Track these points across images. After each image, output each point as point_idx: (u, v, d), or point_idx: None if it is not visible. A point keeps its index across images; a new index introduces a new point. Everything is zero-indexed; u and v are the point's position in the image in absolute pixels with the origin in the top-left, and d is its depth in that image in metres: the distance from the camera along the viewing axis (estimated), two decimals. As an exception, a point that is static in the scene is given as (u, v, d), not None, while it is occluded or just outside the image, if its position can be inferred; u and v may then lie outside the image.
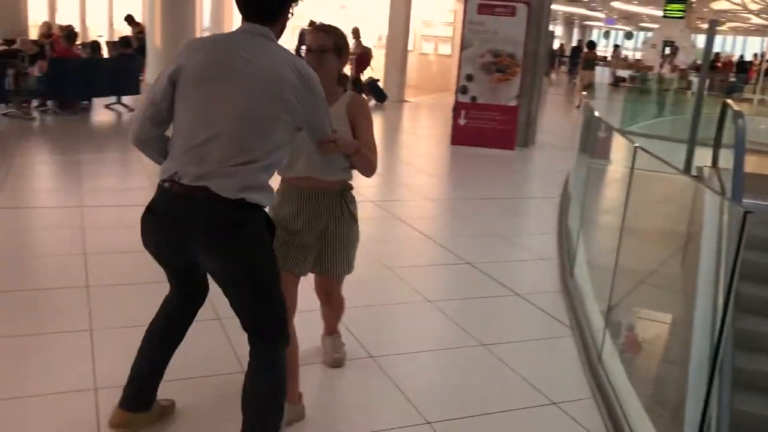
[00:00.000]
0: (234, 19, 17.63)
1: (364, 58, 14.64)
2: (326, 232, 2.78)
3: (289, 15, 2.31)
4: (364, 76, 14.73)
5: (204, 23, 19.57)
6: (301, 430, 2.71)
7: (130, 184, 6.53)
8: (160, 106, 2.24)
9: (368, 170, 2.71)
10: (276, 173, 2.39)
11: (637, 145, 3.62)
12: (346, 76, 3.01)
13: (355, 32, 15.09)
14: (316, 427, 2.76)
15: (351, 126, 2.69)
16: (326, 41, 2.65)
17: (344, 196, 2.82)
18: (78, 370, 2.99)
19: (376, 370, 3.25)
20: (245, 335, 2.36)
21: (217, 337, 3.40)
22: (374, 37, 18.12)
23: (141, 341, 2.56)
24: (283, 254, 2.62)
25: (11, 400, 2.76)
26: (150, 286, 3.17)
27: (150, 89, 2.31)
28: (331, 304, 3.20)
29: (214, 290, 2.39)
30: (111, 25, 21.42)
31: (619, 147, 5.05)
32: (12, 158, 7.22)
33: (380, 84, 14.78)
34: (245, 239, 2.20)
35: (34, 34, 14.15)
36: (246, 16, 2.26)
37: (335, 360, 3.26)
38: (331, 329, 3.34)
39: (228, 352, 3.26)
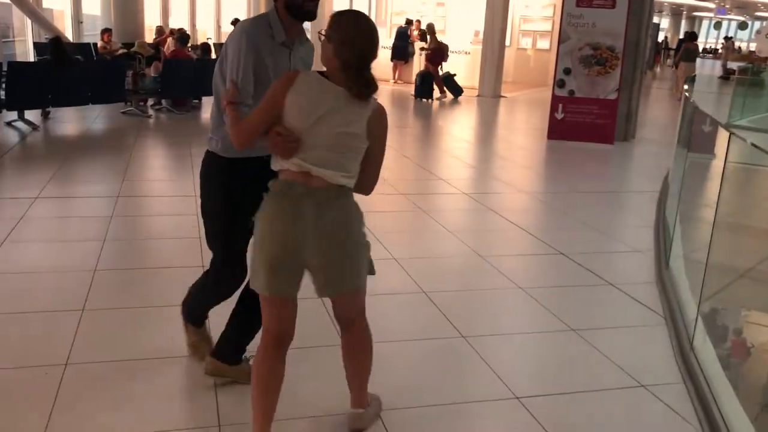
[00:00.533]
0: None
1: (439, 53, 14.80)
2: None
3: None
4: (441, 71, 14.87)
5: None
6: (395, 395, 2.88)
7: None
8: None
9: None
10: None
11: (750, 141, 3.52)
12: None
13: (430, 28, 15.25)
14: (409, 392, 2.93)
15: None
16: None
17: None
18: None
19: (467, 348, 3.39)
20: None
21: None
22: (470, 32, 18.11)
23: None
24: None
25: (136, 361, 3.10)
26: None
27: None
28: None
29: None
30: (219, 27, 22.47)
31: (722, 141, 4.95)
32: (131, 151, 7.82)
33: (473, 78, 14.85)
34: None
35: (149, 37, 15.11)
36: None
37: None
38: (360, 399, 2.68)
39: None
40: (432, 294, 3.97)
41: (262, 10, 12.38)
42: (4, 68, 8.97)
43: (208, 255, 2.90)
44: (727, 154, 3.52)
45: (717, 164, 5.29)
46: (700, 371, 3.20)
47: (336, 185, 2.28)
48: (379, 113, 2.31)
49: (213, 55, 13.77)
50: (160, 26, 16.35)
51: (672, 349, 3.55)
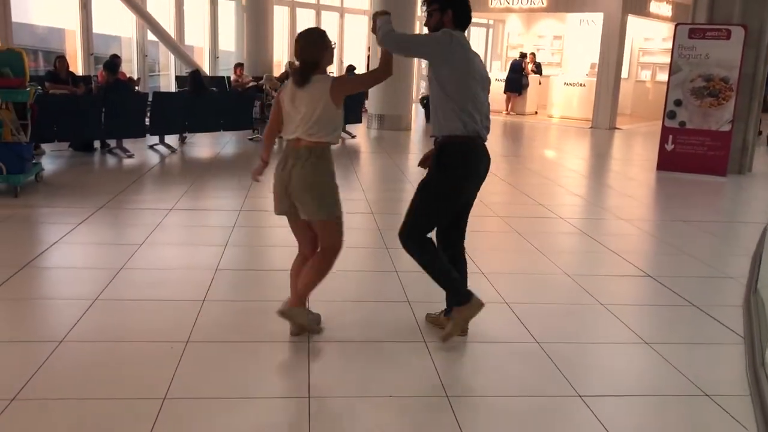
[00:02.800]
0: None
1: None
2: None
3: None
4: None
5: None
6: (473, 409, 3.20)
7: (352, 195, 7.48)
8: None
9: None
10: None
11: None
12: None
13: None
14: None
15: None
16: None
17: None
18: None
19: (540, 354, 3.66)
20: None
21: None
22: (587, 65, 18.11)
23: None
24: None
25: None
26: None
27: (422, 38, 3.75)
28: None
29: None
30: (341, 62, 23.60)
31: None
32: (255, 173, 8.58)
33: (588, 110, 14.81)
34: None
35: (277, 71, 16.24)
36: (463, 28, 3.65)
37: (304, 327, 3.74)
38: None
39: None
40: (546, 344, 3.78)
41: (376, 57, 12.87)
42: (150, 98, 10.11)
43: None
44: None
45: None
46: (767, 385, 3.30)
47: (313, 143, 3.46)
48: (334, 79, 3.54)
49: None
50: (291, 62, 17.48)
51: (746, 366, 3.65)
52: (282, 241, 5.59)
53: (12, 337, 3.62)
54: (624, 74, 17.54)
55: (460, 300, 3.63)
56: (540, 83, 18.06)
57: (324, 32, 3.59)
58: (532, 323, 4.00)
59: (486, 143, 3.62)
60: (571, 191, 8.70)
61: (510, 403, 3.16)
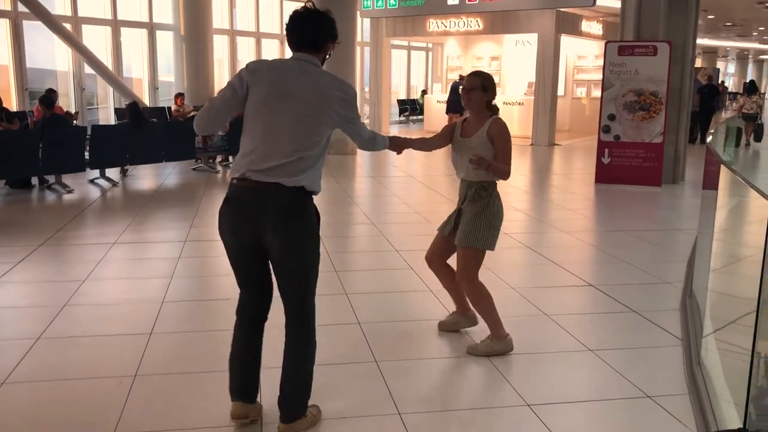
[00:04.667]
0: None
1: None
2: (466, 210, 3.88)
3: (332, 48, 3.02)
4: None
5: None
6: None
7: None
8: (230, 104, 3.03)
9: (502, 176, 3.80)
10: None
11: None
12: (495, 106, 3.92)
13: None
14: (430, 403, 3.29)
15: (491, 142, 3.76)
16: (475, 82, 3.79)
17: (484, 187, 3.84)
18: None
19: (487, 365, 3.73)
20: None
21: (357, 336, 4.06)
22: (524, 85, 18.59)
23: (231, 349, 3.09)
24: (445, 220, 4.05)
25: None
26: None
27: (220, 94, 3.07)
28: (466, 291, 3.95)
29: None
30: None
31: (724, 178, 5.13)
32: (199, 203, 8.53)
33: (527, 128, 15.16)
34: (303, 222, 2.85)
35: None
36: (295, 47, 2.95)
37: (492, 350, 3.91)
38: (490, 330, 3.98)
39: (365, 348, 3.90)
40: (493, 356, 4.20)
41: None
42: (89, 132, 9.95)
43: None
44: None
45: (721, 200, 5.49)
46: (704, 384, 3.45)
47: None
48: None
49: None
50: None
51: (684, 367, 3.80)
52: (227, 270, 5.57)
53: (-49, 382, 3.51)
54: (560, 92, 18.06)
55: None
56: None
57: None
58: (479, 336, 4.08)
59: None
60: (514, 207, 8.89)
61: (459, 416, 3.21)
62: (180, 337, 4.12)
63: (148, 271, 5.64)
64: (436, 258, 4.13)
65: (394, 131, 19.45)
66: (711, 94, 17.15)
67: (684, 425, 3.14)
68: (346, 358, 3.80)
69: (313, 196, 2.95)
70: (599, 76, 20.35)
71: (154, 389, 3.40)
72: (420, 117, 22.06)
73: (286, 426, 2.95)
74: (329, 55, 3.05)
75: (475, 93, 3.79)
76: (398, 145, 3.70)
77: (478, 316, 4.09)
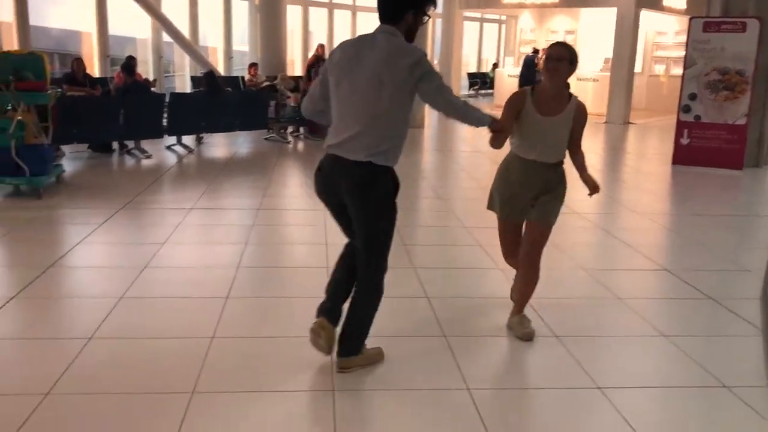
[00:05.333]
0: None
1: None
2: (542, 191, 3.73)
3: (423, 20, 3.08)
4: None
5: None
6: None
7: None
8: (322, 91, 3.17)
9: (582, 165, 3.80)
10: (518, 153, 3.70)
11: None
12: (568, 83, 3.81)
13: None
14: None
15: (573, 122, 3.65)
16: (563, 53, 3.58)
17: (560, 165, 3.77)
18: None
19: (558, 346, 3.71)
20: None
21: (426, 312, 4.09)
22: (601, 60, 18.06)
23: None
24: (508, 207, 3.80)
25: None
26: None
27: (315, 81, 3.29)
28: (529, 269, 3.75)
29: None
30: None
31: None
32: (271, 172, 8.69)
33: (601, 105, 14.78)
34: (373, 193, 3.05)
35: (291, 71, 16.33)
36: (380, 19, 3.07)
37: (525, 334, 3.76)
38: (519, 309, 3.86)
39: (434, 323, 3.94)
40: (564, 338, 4.10)
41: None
42: (167, 99, 10.22)
43: (333, 257, 3.43)
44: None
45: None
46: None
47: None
48: None
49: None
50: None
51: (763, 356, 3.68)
52: (302, 239, 5.70)
53: (42, 335, 3.72)
54: (638, 69, 17.48)
55: None
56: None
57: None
58: (551, 317, 4.05)
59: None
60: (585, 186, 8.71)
61: (531, 395, 3.21)
62: (255, 302, 4.24)
63: (223, 236, 5.80)
64: (517, 248, 3.89)
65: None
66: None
67: (762, 417, 3.05)
68: (414, 331, 3.84)
69: (390, 167, 3.06)
70: (679, 53, 19.72)
71: (231, 351, 3.52)
72: (490, 91, 21.75)
73: (341, 360, 3.28)
74: (417, 28, 3.08)
75: (562, 64, 3.56)
76: (503, 128, 3.48)
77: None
